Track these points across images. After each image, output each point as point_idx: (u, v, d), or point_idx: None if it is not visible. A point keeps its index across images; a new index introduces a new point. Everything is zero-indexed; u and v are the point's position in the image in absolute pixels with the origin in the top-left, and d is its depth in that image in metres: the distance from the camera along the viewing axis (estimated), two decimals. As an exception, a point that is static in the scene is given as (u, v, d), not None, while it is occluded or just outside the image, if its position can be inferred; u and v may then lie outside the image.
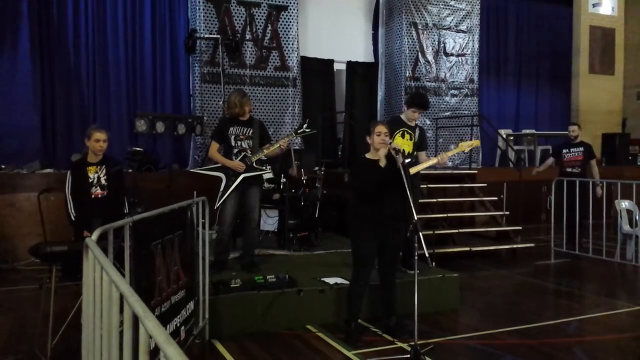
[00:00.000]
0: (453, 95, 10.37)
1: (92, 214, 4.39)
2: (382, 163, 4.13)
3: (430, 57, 10.17)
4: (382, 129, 4.15)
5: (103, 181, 4.52)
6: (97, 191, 4.50)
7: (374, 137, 4.16)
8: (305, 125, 5.25)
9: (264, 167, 5.34)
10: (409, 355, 3.86)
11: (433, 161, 5.01)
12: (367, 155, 4.28)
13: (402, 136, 5.12)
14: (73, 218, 4.45)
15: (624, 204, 7.26)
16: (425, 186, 7.97)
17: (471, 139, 9.87)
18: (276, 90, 8.90)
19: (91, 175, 4.50)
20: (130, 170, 7.52)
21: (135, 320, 1.63)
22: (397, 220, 4.23)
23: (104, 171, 4.54)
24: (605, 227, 7.00)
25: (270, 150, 5.20)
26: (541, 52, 12.49)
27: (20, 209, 6.86)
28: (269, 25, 8.85)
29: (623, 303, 5.48)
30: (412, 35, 10.02)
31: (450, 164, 10.20)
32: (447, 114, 10.20)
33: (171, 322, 3.43)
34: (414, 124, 5.22)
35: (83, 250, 2.42)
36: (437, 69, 10.23)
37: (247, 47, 8.70)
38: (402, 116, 5.29)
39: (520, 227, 8.06)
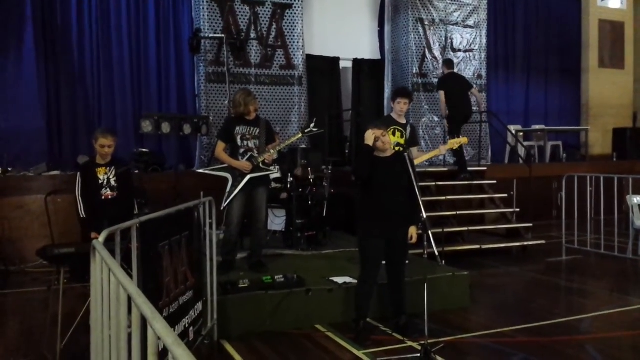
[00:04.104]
0: (461, 92, 10.27)
1: (102, 215, 4.38)
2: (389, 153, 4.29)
3: (437, 53, 10.09)
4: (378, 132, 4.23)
5: (113, 182, 4.52)
6: (107, 192, 4.50)
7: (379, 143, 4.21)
8: (312, 125, 5.22)
9: (270, 167, 5.32)
10: (419, 355, 3.83)
11: (435, 152, 5.62)
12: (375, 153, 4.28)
13: (394, 134, 5.32)
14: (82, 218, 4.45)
15: (636, 199, 7.17)
16: (433, 184, 7.92)
17: (480, 136, 9.94)
18: (282, 89, 8.87)
19: (101, 177, 4.50)
20: (136, 172, 7.52)
21: (144, 321, 1.62)
22: (404, 218, 4.20)
23: (113, 172, 4.53)
24: (617, 223, 6.92)
25: (276, 151, 5.18)
26: (550, 46, 12.34)
27: (28, 211, 6.86)
28: (273, 23, 8.82)
29: (636, 300, 5.41)
30: (419, 32, 9.95)
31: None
32: (455, 110, 10.10)
33: (179, 323, 3.42)
34: (405, 120, 5.42)
35: (90, 252, 2.41)
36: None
37: (252, 46, 8.67)
38: (393, 114, 5.48)
39: (531, 224, 7.97)
